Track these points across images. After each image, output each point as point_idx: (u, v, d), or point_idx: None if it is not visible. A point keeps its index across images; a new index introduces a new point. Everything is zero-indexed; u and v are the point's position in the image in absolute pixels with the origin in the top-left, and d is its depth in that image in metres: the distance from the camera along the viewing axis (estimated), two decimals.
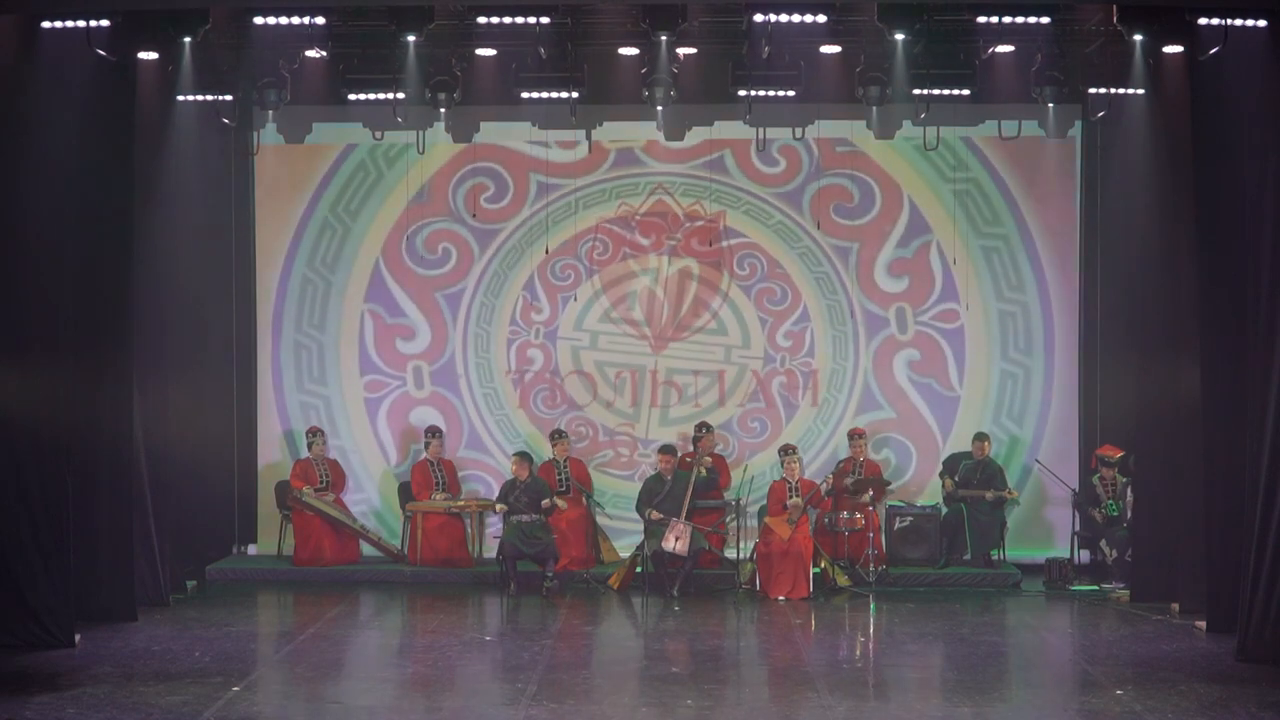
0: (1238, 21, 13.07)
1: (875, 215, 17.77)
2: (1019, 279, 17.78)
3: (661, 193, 17.77)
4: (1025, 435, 17.74)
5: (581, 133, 17.62)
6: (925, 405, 17.82)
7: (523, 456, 16.58)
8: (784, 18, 14.23)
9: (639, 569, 16.24)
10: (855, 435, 17.27)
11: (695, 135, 17.73)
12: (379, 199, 17.89)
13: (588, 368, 17.96)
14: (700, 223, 17.78)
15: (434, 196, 17.85)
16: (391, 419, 17.86)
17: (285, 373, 17.97)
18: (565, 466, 17.13)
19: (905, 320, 17.81)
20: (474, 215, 17.77)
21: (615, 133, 17.75)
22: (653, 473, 16.83)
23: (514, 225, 17.88)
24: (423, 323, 17.92)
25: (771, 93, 16.16)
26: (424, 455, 17.31)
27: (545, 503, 16.18)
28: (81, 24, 13.18)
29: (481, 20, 14.90)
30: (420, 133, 17.47)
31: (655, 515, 16.16)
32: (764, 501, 16.82)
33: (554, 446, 17.21)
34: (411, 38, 15.01)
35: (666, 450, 16.72)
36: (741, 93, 16.15)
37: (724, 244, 17.70)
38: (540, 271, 17.83)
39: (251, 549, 17.96)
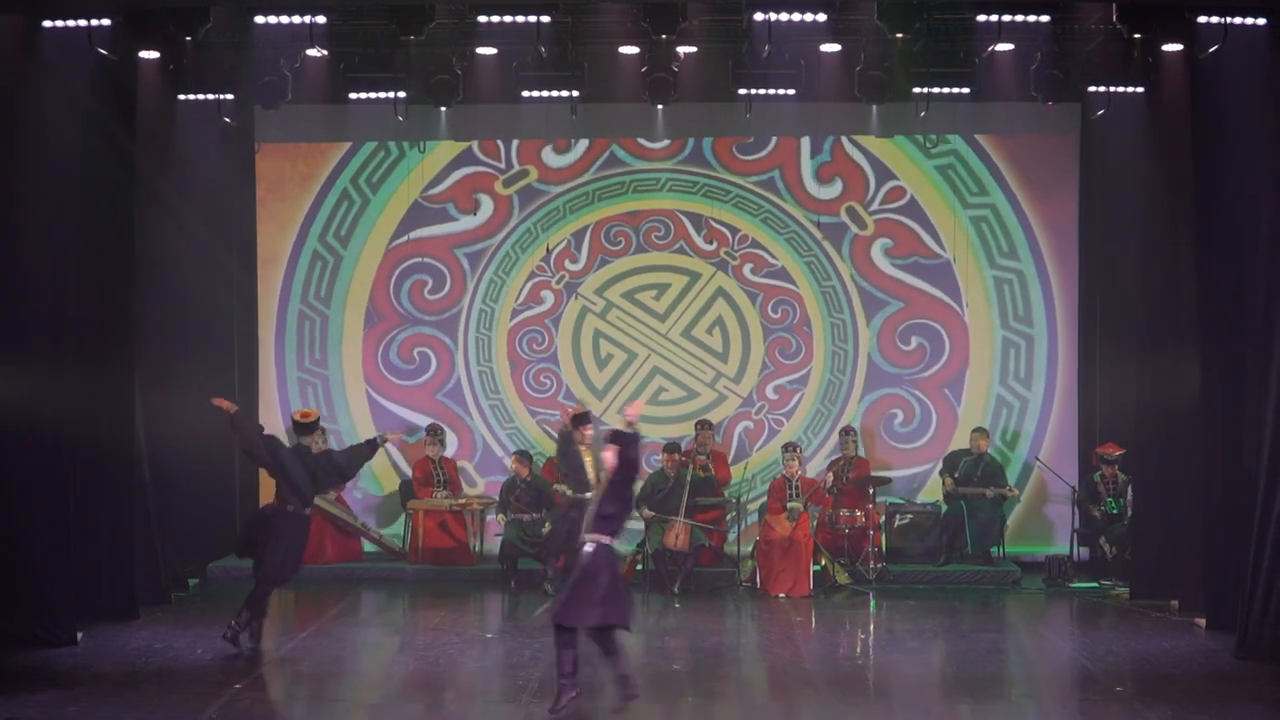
0: (1237, 20, 13.05)
1: (777, 140, 17.73)
2: (1023, 289, 17.75)
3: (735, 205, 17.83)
4: (1029, 270, 17.69)
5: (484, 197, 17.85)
6: (923, 282, 17.81)
7: (522, 455, 16.59)
8: (784, 16, 14.23)
9: (640, 566, 16.23)
10: (846, 433, 17.25)
11: (581, 147, 17.82)
12: (380, 205, 17.89)
13: (586, 332, 17.95)
14: (752, 248, 17.82)
15: (382, 313, 17.88)
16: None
17: (287, 370, 17.98)
18: None
19: (859, 216, 17.81)
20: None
21: (553, 159, 17.84)
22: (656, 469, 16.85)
23: (465, 306, 17.89)
24: (444, 428, 17.79)
25: (772, 91, 16.16)
26: (425, 454, 17.31)
27: (546, 528, 16.10)
28: (83, 23, 13.17)
29: (482, 19, 14.90)
30: (421, 143, 17.66)
31: (648, 513, 16.15)
32: (764, 499, 16.81)
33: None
34: (412, 37, 14.98)
35: (670, 448, 16.70)
36: (742, 91, 16.16)
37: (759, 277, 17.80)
38: (595, 227, 17.84)
39: None
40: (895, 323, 17.80)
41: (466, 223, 17.92)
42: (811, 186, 17.81)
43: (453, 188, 17.89)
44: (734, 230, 17.86)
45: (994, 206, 17.76)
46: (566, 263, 17.92)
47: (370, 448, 13.90)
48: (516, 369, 17.91)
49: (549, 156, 17.88)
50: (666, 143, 17.81)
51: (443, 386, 17.95)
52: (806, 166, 17.79)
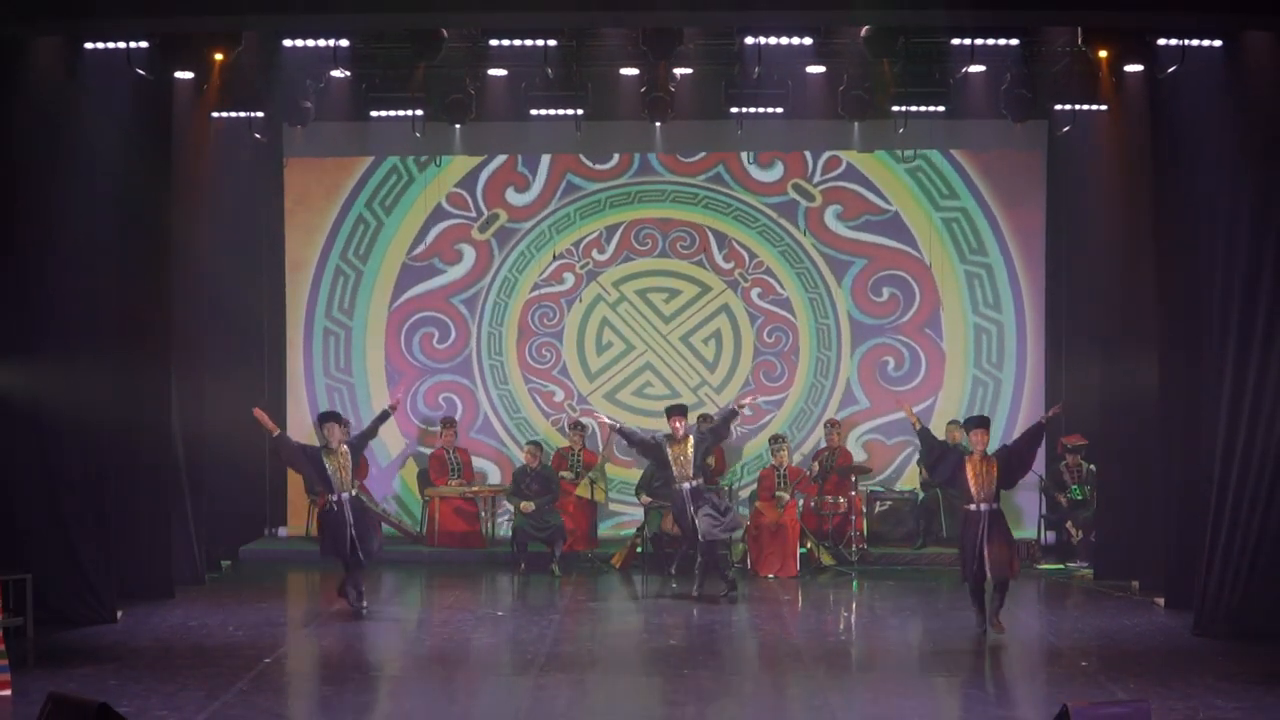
0: (1194, 42, 12.96)
1: (708, 150, 17.58)
2: (993, 287, 17.63)
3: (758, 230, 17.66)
4: (999, 271, 17.56)
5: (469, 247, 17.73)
6: (880, 236, 17.64)
7: (535, 446, 16.47)
8: (773, 40, 14.19)
9: (639, 549, 16.12)
10: (831, 425, 17.12)
11: (540, 182, 17.68)
12: (401, 212, 17.75)
13: (594, 319, 17.81)
14: (764, 275, 17.66)
15: (400, 369, 17.73)
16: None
17: (314, 368, 17.86)
18: (579, 455, 16.94)
19: (806, 190, 17.66)
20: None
21: (516, 198, 17.69)
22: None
23: (469, 354, 17.75)
24: (483, 461, 17.64)
25: (762, 110, 16.07)
26: (440, 444, 17.20)
27: (524, 505, 15.96)
28: (122, 45, 13.06)
29: (493, 43, 14.84)
30: (436, 157, 17.53)
31: (645, 499, 16.05)
32: (755, 487, 16.69)
33: (570, 435, 17.05)
34: (428, 60, 14.86)
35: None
36: (734, 110, 16.07)
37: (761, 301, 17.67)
38: (629, 225, 17.70)
39: (282, 531, 17.85)
40: (864, 278, 17.64)
41: (454, 273, 17.77)
42: (755, 173, 17.65)
43: (434, 244, 17.74)
44: (752, 254, 17.70)
45: (954, 189, 17.60)
46: (594, 252, 17.78)
47: (383, 417, 14.25)
48: (524, 338, 17.77)
49: (512, 196, 17.73)
50: (616, 159, 17.63)
51: (473, 425, 17.77)
52: (745, 155, 17.64)
